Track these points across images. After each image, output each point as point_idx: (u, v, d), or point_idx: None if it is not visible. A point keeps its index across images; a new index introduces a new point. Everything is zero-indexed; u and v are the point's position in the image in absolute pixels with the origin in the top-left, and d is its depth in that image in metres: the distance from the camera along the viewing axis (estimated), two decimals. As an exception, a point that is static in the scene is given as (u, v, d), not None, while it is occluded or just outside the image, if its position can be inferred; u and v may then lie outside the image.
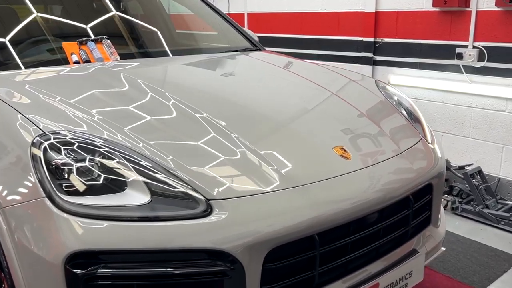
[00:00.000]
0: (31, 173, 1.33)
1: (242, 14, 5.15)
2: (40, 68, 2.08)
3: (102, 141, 1.40)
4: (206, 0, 3.08)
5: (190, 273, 1.27)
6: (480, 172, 3.29)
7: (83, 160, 1.34)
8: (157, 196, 1.31)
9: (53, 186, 1.30)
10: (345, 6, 4.14)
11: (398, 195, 1.60)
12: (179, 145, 1.48)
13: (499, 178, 3.33)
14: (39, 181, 1.31)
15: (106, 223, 1.26)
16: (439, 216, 1.98)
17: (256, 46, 2.91)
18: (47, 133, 1.41)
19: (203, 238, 1.27)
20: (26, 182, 1.34)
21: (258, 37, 3.04)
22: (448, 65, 3.51)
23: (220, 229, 1.28)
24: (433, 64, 3.60)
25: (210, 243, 1.26)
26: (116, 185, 1.32)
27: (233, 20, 3.07)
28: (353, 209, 1.45)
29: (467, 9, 3.32)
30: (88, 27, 2.40)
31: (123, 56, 2.29)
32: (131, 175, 1.33)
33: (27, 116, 1.49)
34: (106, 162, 1.34)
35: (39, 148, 1.36)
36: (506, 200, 3.26)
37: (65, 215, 1.26)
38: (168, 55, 2.52)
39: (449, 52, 3.45)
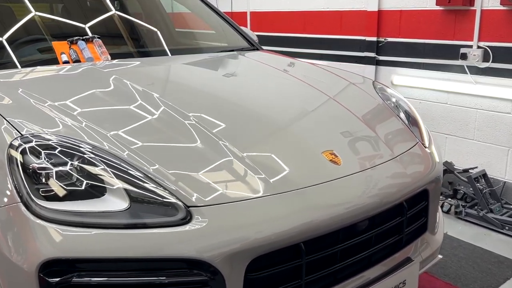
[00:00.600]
0: (7, 177, 1.29)
1: (245, 13, 5.10)
2: (26, 68, 2.04)
3: (85, 145, 1.35)
4: (205, -1, 3.03)
5: (168, 283, 1.22)
6: (484, 175, 3.21)
7: (62, 165, 1.30)
8: (136, 202, 1.27)
9: (29, 191, 1.26)
10: (348, 5, 4.07)
11: (390, 201, 1.53)
12: (163, 151, 1.43)
13: (504, 182, 3.24)
14: (15, 185, 1.27)
15: (80, 230, 1.22)
16: (437, 222, 1.91)
17: (253, 45, 2.86)
18: (27, 135, 1.37)
19: (182, 246, 1.22)
20: (3, 187, 1.31)
21: (261, 36, 3.00)
22: (452, 65, 3.42)
23: (199, 238, 1.23)
24: (437, 64, 3.51)
25: (188, 252, 1.22)
26: (94, 190, 1.28)
27: (230, 19, 3.01)
28: (340, 216, 1.39)
29: (472, 8, 3.23)
30: (78, 25, 2.36)
31: (115, 56, 2.25)
32: (111, 181, 1.28)
33: (7, 118, 1.45)
34: (85, 167, 1.30)
35: (16, 151, 1.32)
36: (511, 205, 3.16)
37: (38, 221, 1.22)
38: (161, 55, 2.47)
39: (453, 52, 3.37)
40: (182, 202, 1.27)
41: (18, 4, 2.44)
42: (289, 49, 4.66)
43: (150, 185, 1.29)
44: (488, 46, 3.18)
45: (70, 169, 1.29)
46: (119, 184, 1.28)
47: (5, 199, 1.28)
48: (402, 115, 2.06)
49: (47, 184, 1.27)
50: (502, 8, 3.07)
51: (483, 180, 3.18)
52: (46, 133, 1.38)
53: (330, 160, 1.53)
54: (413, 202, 1.69)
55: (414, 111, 2.14)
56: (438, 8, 3.41)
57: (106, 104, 1.68)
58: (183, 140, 1.48)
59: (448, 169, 3.27)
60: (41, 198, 1.25)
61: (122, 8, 2.70)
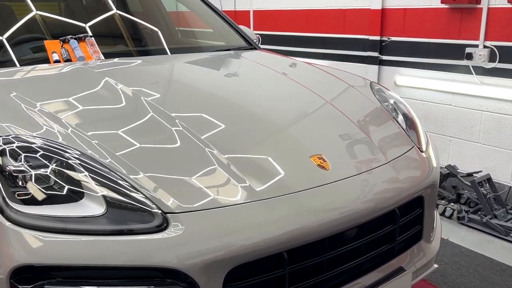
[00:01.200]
0: None
1: (248, 12, 5.03)
2: (14, 68, 2.00)
3: (67, 149, 1.31)
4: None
5: (141, 292, 1.17)
6: (489, 180, 3.11)
7: (40, 168, 1.25)
8: (113, 208, 1.21)
9: (4, 195, 1.21)
10: (351, 3, 3.98)
11: (381, 209, 1.46)
12: (145, 156, 1.36)
13: (510, 187, 3.13)
14: None
15: (53, 236, 1.17)
16: (434, 229, 1.83)
17: (251, 44, 2.79)
18: (9, 137, 1.32)
19: (156, 255, 1.16)
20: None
21: (264, 35, 2.92)
22: (457, 65, 3.32)
23: (175, 246, 1.17)
24: (441, 64, 3.42)
25: (163, 261, 1.16)
26: (72, 194, 1.23)
27: (228, 18, 2.95)
28: (325, 224, 1.32)
29: (478, 6, 3.13)
30: (72, 23, 2.31)
31: (109, 55, 2.19)
32: (89, 185, 1.23)
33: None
34: (65, 171, 1.26)
35: None
36: (517, 210, 3.06)
37: (12, 225, 1.17)
38: (157, 54, 2.42)
39: (458, 52, 3.27)
40: (159, 208, 1.21)
41: (13, 3, 2.40)
42: (291, 48, 4.59)
43: (128, 191, 1.23)
44: (494, 46, 3.08)
45: (48, 172, 1.25)
46: (97, 189, 1.23)
47: None
48: (400, 117, 1.98)
49: (25, 187, 1.23)
50: (509, 6, 2.96)
51: (487, 184, 3.08)
52: (29, 136, 1.34)
53: (318, 165, 1.46)
54: (406, 209, 1.61)
55: (412, 113, 2.06)
56: (443, 6, 3.31)
57: (92, 106, 1.62)
58: (167, 146, 1.42)
59: (451, 172, 3.18)
60: (17, 202, 1.21)
61: (118, 5, 2.65)
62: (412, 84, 3.64)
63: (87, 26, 2.28)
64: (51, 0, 2.64)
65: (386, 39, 3.77)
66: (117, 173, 1.27)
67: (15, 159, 1.26)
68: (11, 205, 1.20)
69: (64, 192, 1.23)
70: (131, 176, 1.26)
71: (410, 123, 1.97)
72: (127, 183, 1.25)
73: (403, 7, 3.60)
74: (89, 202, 1.22)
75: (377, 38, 3.80)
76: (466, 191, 3.22)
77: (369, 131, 1.74)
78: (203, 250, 1.18)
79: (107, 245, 1.15)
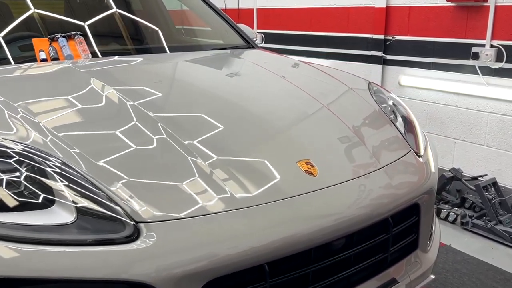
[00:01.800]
0: None
1: (252, 10, 4.96)
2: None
3: (45, 155, 1.24)
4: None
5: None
6: (495, 184, 3.00)
7: (11, 173, 1.19)
8: (85, 215, 1.15)
9: None
10: (355, 1, 3.89)
11: (371, 218, 1.38)
12: (122, 162, 1.29)
13: (516, 191, 3.02)
14: None
15: (16, 245, 1.10)
16: (431, 237, 1.74)
17: (249, 43, 2.72)
18: None
19: (125, 267, 1.09)
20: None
21: (267, 33, 2.83)
22: (463, 65, 3.21)
23: (145, 258, 1.10)
24: (447, 64, 3.31)
25: (132, 274, 1.08)
26: (41, 201, 1.16)
27: (226, 15, 2.88)
28: (308, 235, 1.24)
29: (485, 4, 3.02)
30: (63, 20, 2.26)
31: (103, 54, 2.13)
32: (60, 192, 1.17)
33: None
34: (35, 176, 1.19)
35: None
36: (523, 216, 2.95)
37: None
38: (147, 53, 2.35)
39: (464, 51, 3.16)
40: (131, 217, 1.14)
41: (8, 1, 2.36)
42: (295, 47, 4.50)
43: (100, 198, 1.17)
44: (502, 45, 2.97)
45: (19, 177, 1.19)
46: (68, 195, 1.16)
47: None
48: (399, 119, 1.89)
49: None
50: (517, 4, 2.85)
51: (492, 189, 2.97)
52: (4, 140, 1.28)
53: (306, 170, 1.38)
54: (401, 217, 1.53)
55: (411, 116, 1.97)
56: (449, 4, 3.20)
57: (72, 109, 1.55)
58: (147, 153, 1.34)
59: (455, 176, 3.07)
60: None
61: (114, 2, 2.59)
62: (417, 85, 3.54)
63: (79, 22, 2.23)
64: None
65: (390, 38, 3.67)
66: (91, 179, 1.20)
67: None
68: None
69: (35, 199, 1.16)
70: (105, 183, 1.20)
71: (408, 125, 1.89)
72: (100, 191, 1.18)
73: (408, 5, 3.49)
74: (59, 210, 1.15)
75: (381, 37, 3.70)
76: (470, 195, 3.11)
77: (363, 135, 1.65)
78: (177, 263, 1.11)
79: (72, 256, 1.08)
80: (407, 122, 1.91)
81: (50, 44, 2.13)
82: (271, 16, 4.77)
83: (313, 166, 1.40)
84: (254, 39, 2.87)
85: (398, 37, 3.61)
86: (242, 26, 2.90)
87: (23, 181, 1.18)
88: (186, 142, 1.38)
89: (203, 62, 2.30)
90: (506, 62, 2.96)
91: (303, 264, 1.28)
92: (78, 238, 1.11)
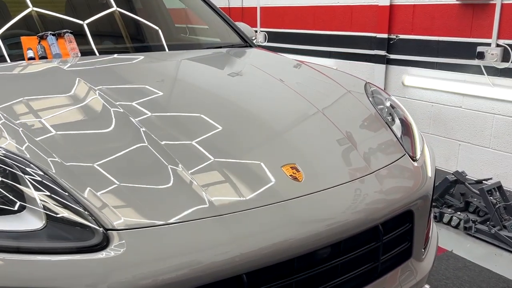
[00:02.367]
0: None
1: (255, 8, 4.90)
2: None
3: (11, 156, 1.20)
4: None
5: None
6: (499, 188, 2.90)
7: None
8: (54, 222, 1.10)
9: None
10: (359, -1, 3.81)
11: (358, 226, 1.31)
12: (98, 168, 1.23)
13: (522, 196, 2.93)
14: None
15: None
16: (427, 245, 1.67)
17: (246, 42, 2.66)
18: None
19: (92, 278, 1.03)
20: None
21: (271, 32, 2.77)
22: (468, 65, 3.12)
23: (114, 268, 1.04)
24: (451, 64, 3.22)
25: (98, 285, 1.03)
26: (11, 206, 1.11)
27: (223, 13, 2.82)
28: (290, 244, 1.18)
29: (491, 2, 2.92)
30: (57, 18, 2.22)
31: (86, 53, 2.09)
32: (30, 197, 1.12)
33: None
34: (5, 180, 1.15)
35: None
36: (529, 221, 2.85)
37: None
38: (143, 51, 2.30)
39: (469, 50, 3.07)
40: (100, 225, 1.09)
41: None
42: (298, 46, 4.44)
43: (72, 204, 1.12)
44: (508, 45, 2.87)
45: None
46: (38, 200, 1.11)
47: None
48: (396, 121, 1.82)
49: None
50: (524, 2, 2.76)
51: (497, 193, 2.87)
52: None
53: (290, 175, 1.32)
54: (393, 224, 1.46)
55: (409, 118, 1.89)
56: (454, 2, 3.11)
57: (52, 110, 1.50)
58: (125, 159, 1.29)
59: (459, 179, 2.98)
60: None
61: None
62: (421, 85, 3.45)
63: (71, 19, 2.19)
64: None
65: (394, 37, 3.58)
66: (63, 185, 1.15)
67: None
68: None
69: (6, 204, 1.11)
70: (77, 189, 1.14)
71: (405, 128, 1.81)
72: (72, 196, 1.13)
73: (412, 3, 3.41)
74: (27, 215, 1.10)
75: (385, 36, 3.62)
76: (475, 199, 3.02)
77: (356, 139, 1.58)
78: (147, 273, 1.05)
79: (36, 265, 1.03)
80: (404, 124, 1.83)
81: (39, 42, 2.09)
82: (274, 14, 4.70)
83: (299, 171, 1.34)
84: (253, 38, 2.81)
85: (402, 36, 3.53)
86: (241, 25, 2.85)
87: None
88: (163, 143, 1.33)
89: (197, 60, 2.24)
90: (512, 62, 2.86)
91: (286, 274, 1.22)
92: (44, 246, 1.07)
